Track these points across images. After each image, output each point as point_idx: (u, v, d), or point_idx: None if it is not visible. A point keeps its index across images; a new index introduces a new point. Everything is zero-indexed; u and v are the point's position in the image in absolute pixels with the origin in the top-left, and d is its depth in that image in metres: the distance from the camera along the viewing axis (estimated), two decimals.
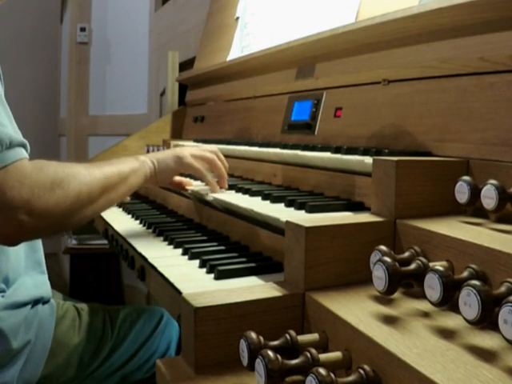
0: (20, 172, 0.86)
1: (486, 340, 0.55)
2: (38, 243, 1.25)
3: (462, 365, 0.50)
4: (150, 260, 1.00)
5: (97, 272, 2.98)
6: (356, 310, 0.64)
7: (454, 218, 0.81)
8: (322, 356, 0.59)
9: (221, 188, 1.22)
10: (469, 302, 0.54)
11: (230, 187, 1.23)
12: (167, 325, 1.38)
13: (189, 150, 1.22)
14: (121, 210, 1.61)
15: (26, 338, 1.11)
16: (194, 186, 1.28)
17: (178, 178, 1.27)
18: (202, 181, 1.26)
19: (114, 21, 3.97)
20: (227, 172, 1.25)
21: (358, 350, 0.59)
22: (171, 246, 1.10)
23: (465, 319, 0.55)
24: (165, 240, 1.15)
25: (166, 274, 0.91)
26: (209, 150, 1.25)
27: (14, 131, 0.91)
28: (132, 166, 1.10)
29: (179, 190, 1.32)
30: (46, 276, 1.25)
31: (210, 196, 1.15)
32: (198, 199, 1.28)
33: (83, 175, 0.95)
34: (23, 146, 0.91)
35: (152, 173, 1.15)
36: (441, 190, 0.83)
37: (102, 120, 3.99)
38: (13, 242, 0.94)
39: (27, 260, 1.21)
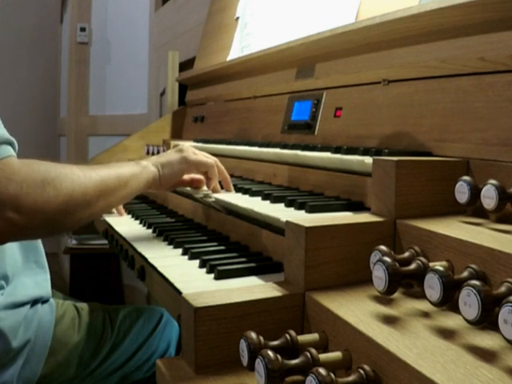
0: (7, 168, 0.84)
1: (486, 340, 0.55)
2: (37, 242, 1.25)
3: (461, 365, 0.50)
4: (149, 260, 1.00)
5: (97, 272, 2.98)
6: (356, 310, 0.64)
7: (453, 217, 0.81)
8: (322, 356, 0.59)
9: (228, 191, 1.19)
10: (469, 302, 0.54)
11: None
12: (167, 325, 1.39)
13: (191, 149, 1.18)
14: None
15: (25, 337, 1.11)
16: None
17: (187, 176, 1.21)
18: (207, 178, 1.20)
19: (113, 21, 3.96)
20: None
21: (358, 350, 0.59)
22: (171, 246, 1.10)
23: (465, 319, 0.55)
24: (165, 240, 1.15)
25: (166, 274, 0.91)
26: (210, 157, 1.20)
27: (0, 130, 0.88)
28: (132, 170, 1.07)
29: (192, 186, 1.24)
30: (48, 275, 1.25)
31: (212, 197, 1.14)
32: (203, 203, 1.26)
33: (77, 175, 0.92)
34: (10, 143, 0.89)
35: (156, 177, 1.11)
36: (441, 190, 0.83)
37: (102, 120, 3.99)
38: (1, 239, 0.90)
39: (26, 259, 1.20)
